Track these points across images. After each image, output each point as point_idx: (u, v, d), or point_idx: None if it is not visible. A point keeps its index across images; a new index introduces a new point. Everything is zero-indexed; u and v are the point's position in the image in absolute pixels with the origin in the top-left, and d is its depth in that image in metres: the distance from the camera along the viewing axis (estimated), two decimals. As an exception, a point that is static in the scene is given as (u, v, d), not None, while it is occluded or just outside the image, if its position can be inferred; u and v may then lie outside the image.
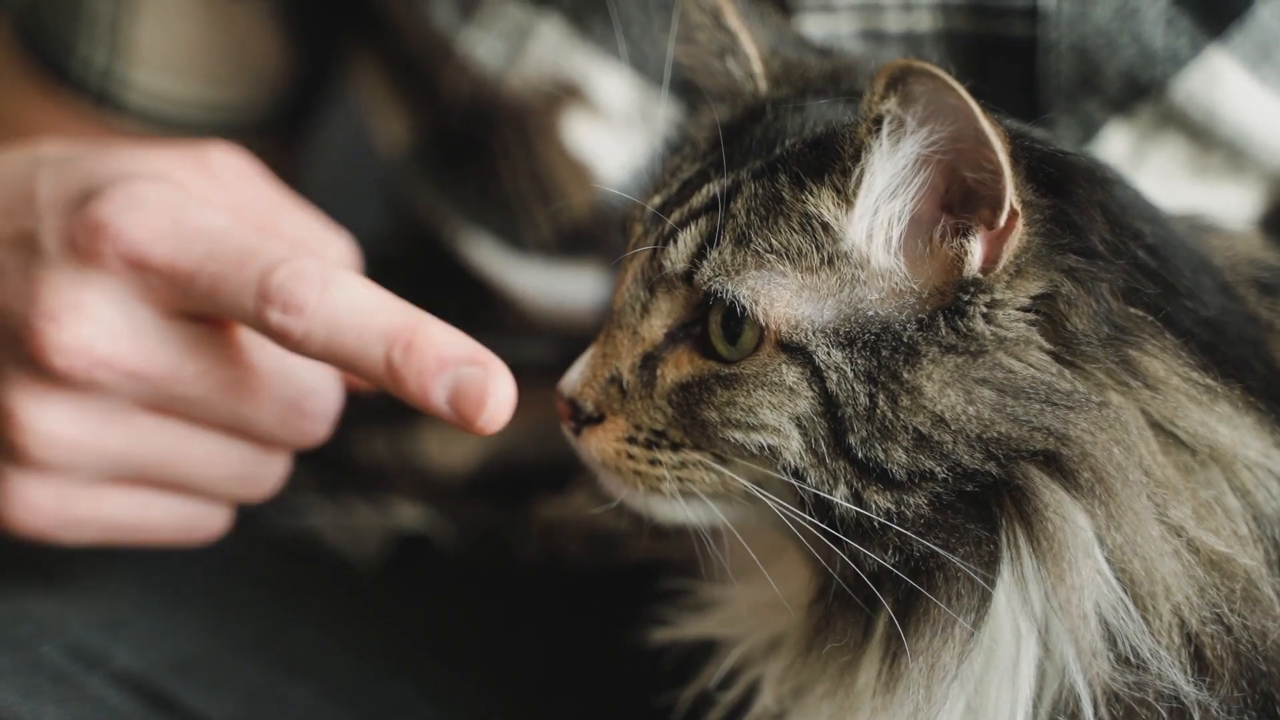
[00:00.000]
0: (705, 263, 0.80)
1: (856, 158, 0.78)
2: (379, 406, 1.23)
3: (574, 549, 1.13)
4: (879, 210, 0.78)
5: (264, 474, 0.94)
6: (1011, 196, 0.76)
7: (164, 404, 0.89)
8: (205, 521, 0.95)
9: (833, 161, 0.79)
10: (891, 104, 0.76)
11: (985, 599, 0.77)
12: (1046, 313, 0.78)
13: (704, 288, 0.80)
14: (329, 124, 1.31)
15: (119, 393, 0.88)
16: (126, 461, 0.90)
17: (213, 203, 0.90)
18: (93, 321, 0.86)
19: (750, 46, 0.88)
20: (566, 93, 1.07)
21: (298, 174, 1.29)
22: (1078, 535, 0.76)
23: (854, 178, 0.78)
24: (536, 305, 1.14)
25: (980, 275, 0.78)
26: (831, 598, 0.80)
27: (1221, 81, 0.98)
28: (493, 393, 0.82)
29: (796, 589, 0.83)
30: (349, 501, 1.19)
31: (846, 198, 0.78)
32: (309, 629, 1.04)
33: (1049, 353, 0.77)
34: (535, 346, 1.16)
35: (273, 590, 1.08)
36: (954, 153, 0.76)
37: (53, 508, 0.90)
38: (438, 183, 1.19)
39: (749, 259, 0.79)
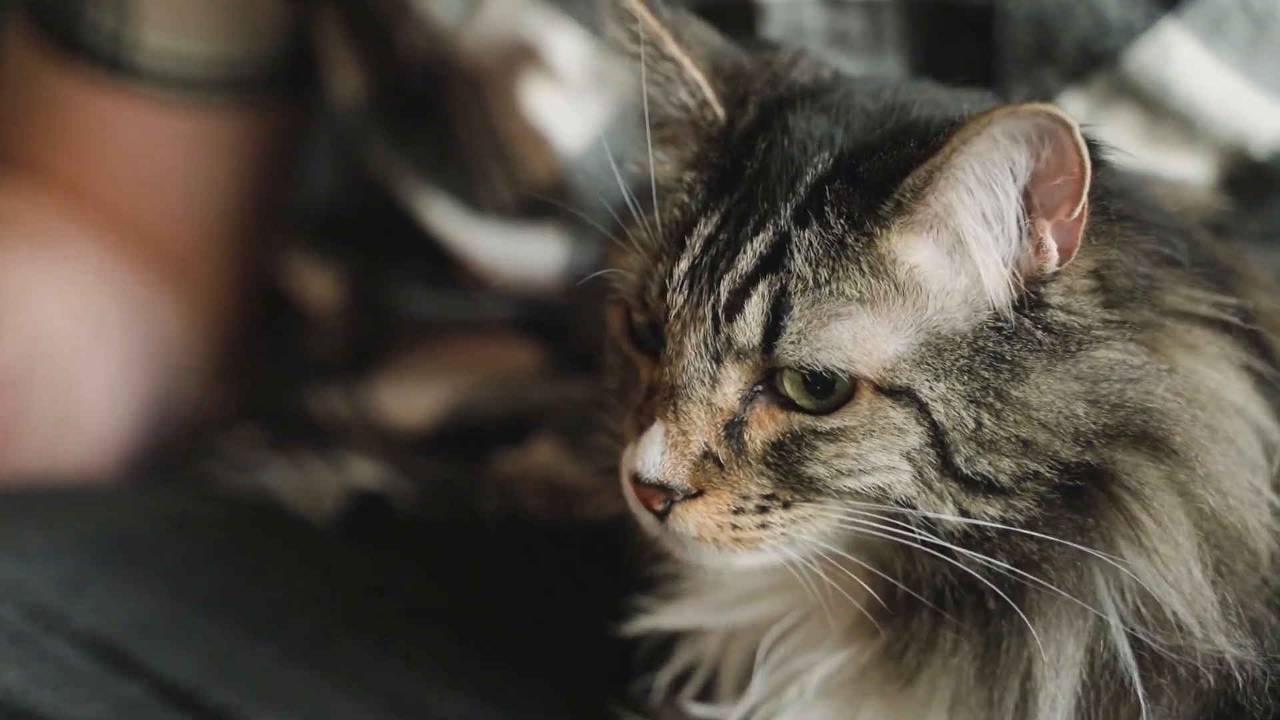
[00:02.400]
0: (784, 336, 0.78)
1: (919, 192, 0.78)
2: (333, 363, 1.24)
3: (533, 504, 1.14)
4: (958, 240, 0.79)
5: None
6: (1087, 191, 0.77)
7: None
8: None
9: (892, 197, 0.78)
10: (976, 149, 0.76)
11: (1091, 582, 0.79)
12: (1098, 284, 0.80)
13: (788, 361, 0.79)
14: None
15: None
16: None
17: None
18: None
19: (695, 72, 0.86)
20: (523, 54, 1.06)
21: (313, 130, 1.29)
22: (1174, 503, 0.79)
23: (928, 215, 0.78)
24: (495, 268, 1.14)
25: (1059, 268, 0.79)
26: (916, 602, 0.81)
27: (1174, 54, 0.99)
28: None
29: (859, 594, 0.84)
30: (304, 458, 1.19)
31: (920, 233, 0.79)
32: (268, 588, 1.04)
33: (1113, 324, 0.79)
34: (494, 303, 1.16)
35: (231, 550, 1.08)
36: (1037, 172, 0.77)
37: None
38: (393, 139, 1.19)
39: (827, 319, 0.78)
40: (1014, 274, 0.79)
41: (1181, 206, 0.87)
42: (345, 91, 1.22)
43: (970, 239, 0.78)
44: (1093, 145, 0.77)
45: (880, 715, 0.84)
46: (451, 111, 1.14)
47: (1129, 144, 0.99)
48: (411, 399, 1.20)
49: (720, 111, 0.86)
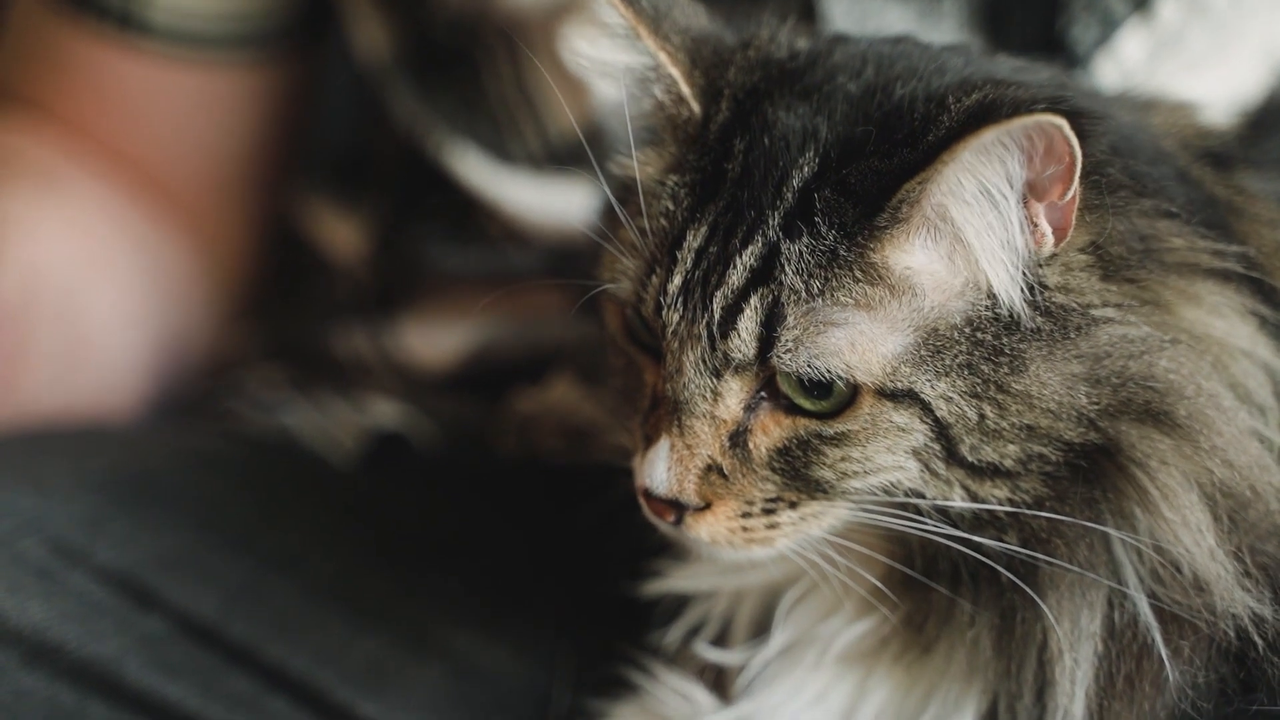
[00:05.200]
0: (779, 346, 0.78)
1: (914, 202, 0.77)
2: (358, 305, 1.24)
3: (550, 444, 1.15)
4: (958, 241, 0.78)
5: None
6: (1078, 175, 0.76)
7: None
8: None
9: (886, 209, 0.77)
10: (969, 161, 0.75)
11: (1106, 550, 0.79)
12: (1094, 258, 0.79)
13: (785, 370, 0.78)
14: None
15: None
16: None
17: None
18: None
19: (672, 67, 0.84)
20: (570, 6, 1.05)
21: (319, 85, 1.29)
22: (1181, 475, 0.78)
23: (923, 223, 0.77)
24: (525, 218, 1.14)
25: (1056, 250, 0.78)
26: (933, 575, 0.82)
27: None
28: None
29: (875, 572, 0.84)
30: (324, 398, 1.20)
31: (916, 239, 0.78)
32: (289, 526, 1.05)
33: (1112, 299, 0.79)
34: (523, 255, 1.17)
35: (252, 488, 1.08)
36: (1030, 168, 0.76)
37: None
38: (421, 92, 1.18)
39: (823, 327, 0.78)
40: (1022, 269, 0.78)
41: (1182, 137, 0.86)
42: (369, 46, 1.22)
43: (973, 242, 0.77)
44: (1082, 121, 0.76)
45: (893, 680, 0.85)
46: (480, 63, 1.14)
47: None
48: (437, 340, 1.20)
49: (696, 108, 0.84)
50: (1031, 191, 0.77)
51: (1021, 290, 0.78)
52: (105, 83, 1.21)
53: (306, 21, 1.24)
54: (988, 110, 0.74)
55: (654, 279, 0.81)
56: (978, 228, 0.77)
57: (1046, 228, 0.78)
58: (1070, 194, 0.77)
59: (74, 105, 1.22)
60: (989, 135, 0.74)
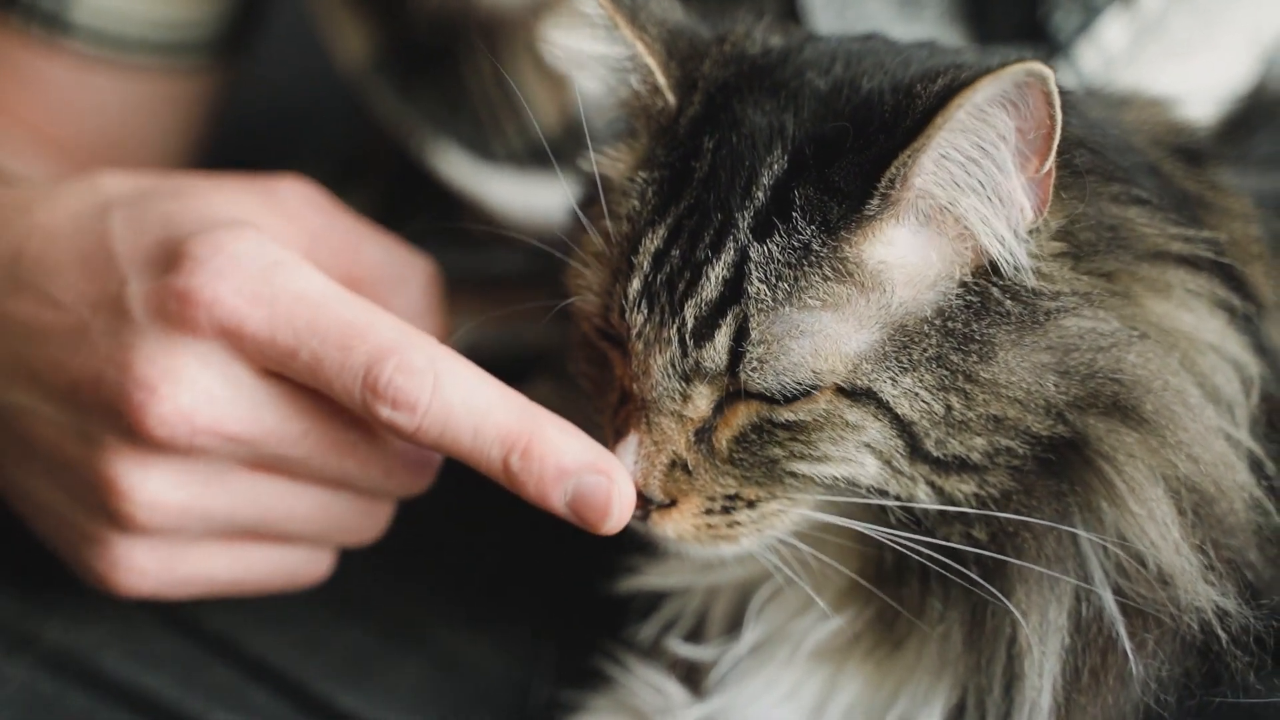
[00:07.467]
0: (745, 360, 0.78)
1: (906, 180, 0.77)
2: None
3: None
4: (949, 218, 0.78)
5: (369, 522, 0.91)
6: (1056, 145, 0.76)
7: (267, 463, 0.86)
8: (311, 567, 0.92)
9: (874, 190, 0.77)
10: (963, 123, 0.75)
11: (1074, 543, 0.79)
12: (1065, 244, 0.79)
13: (755, 389, 0.78)
14: (281, 30, 1.30)
15: (221, 456, 0.85)
16: (231, 521, 0.87)
17: (290, 241, 0.87)
18: (191, 389, 0.83)
19: (650, 57, 0.85)
20: (550, 2, 1.05)
21: (237, 88, 1.27)
22: (1147, 468, 0.78)
23: (912, 200, 0.77)
24: (508, 215, 1.14)
25: (1032, 228, 0.78)
26: (906, 569, 0.82)
27: None
28: (617, 500, 0.80)
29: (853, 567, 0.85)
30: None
31: (902, 224, 0.78)
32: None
33: (1081, 288, 0.78)
34: (509, 257, 1.17)
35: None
36: (1021, 117, 0.76)
37: (159, 570, 0.88)
38: (402, 93, 1.18)
39: (788, 341, 0.78)
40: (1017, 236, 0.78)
41: (1153, 134, 0.86)
42: (350, 52, 1.21)
43: (968, 212, 0.77)
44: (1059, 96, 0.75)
45: (863, 676, 0.85)
46: (460, 60, 1.14)
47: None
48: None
49: (672, 99, 0.84)
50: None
51: (1025, 248, 0.77)
52: (27, 80, 1.19)
53: (235, 34, 1.23)
54: (978, 75, 0.74)
55: (618, 285, 0.82)
56: (975, 194, 0.77)
57: (1025, 202, 0.78)
58: (1048, 166, 0.76)
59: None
60: (983, 95, 0.74)
